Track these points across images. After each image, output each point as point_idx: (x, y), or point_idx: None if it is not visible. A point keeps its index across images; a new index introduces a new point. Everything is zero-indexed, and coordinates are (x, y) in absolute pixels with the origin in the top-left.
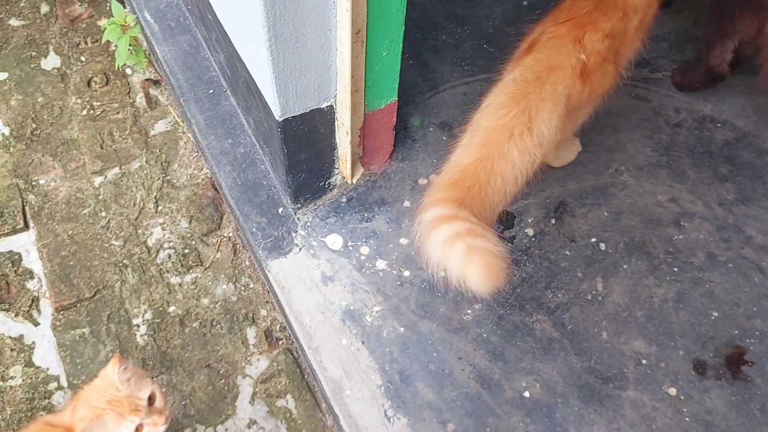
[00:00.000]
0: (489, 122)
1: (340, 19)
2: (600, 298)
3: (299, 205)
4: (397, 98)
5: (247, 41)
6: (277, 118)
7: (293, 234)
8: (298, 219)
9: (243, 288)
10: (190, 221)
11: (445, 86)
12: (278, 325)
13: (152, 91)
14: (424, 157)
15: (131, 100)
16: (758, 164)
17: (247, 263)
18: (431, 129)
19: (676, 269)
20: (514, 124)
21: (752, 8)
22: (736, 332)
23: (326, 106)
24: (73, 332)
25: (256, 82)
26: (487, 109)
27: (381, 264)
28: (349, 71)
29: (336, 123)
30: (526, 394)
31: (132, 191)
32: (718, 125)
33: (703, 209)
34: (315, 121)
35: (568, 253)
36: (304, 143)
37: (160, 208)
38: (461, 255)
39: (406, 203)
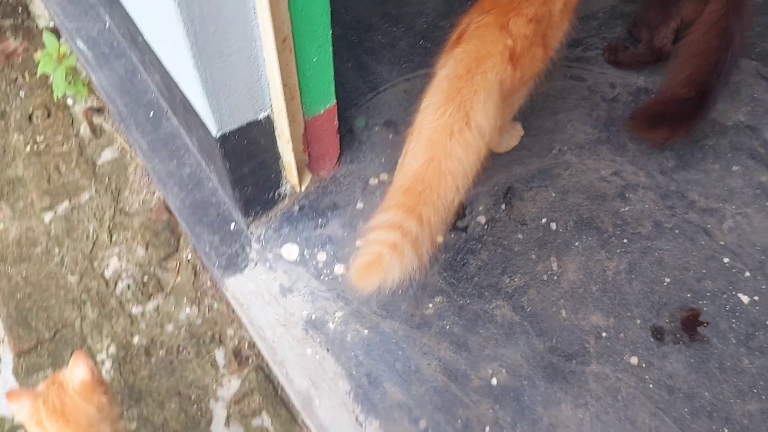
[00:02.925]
0: (429, 124)
1: (263, 29)
2: (555, 277)
3: (251, 219)
4: (335, 102)
5: (175, 60)
6: (214, 134)
7: (247, 249)
8: (251, 233)
9: (207, 309)
10: (147, 247)
11: (386, 86)
12: (246, 343)
13: (96, 120)
14: (372, 157)
15: (75, 131)
16: (694, 129)
17: (209, 284)
18: (376, 129)
19: (625, 241)
20: (452, 122)
21: None
22: (688, 295)
23: (263, 117)
24: (36, 376)
25: (190, 101)
26: (426, 110)
27: (339, 269)
28: (279, 80)
29: (276, 133)
30: (493, 381)
31: (84, 224)
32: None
33: (646, 179)
34: (254, 133)
35: (520, 236)
36: (246, 156)
37: (114, 237)
38: (367, 255)
39: (359, 205)
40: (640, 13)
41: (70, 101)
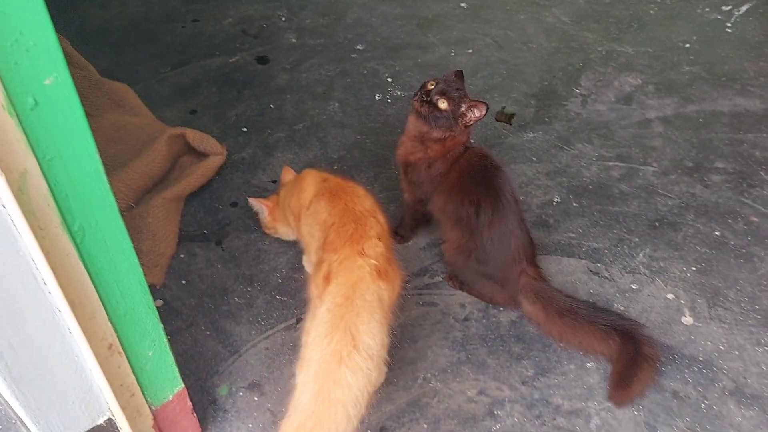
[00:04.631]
0: (317, 354)
1: (81, 345)
2: None
3: None
4: (183, 385)
5: None
6: None
7: None
8: None
9: None
10: None
11: (246, 346)
12: None
13: None
14: (239, 425)
15: None
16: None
17: None
18: (241, 394)
19: None
20: (340, 348)
21: (505, 280)
22: None
23: (104, 421)
24: None
25: (21, 418)
26: (312, 342)
27: None
28: (111, 384)
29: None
30: None
31: None
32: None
33: (510, 392)
34: None
35: None
36: None
37: None
38: None
39: None
40: (474, 286)
41: None
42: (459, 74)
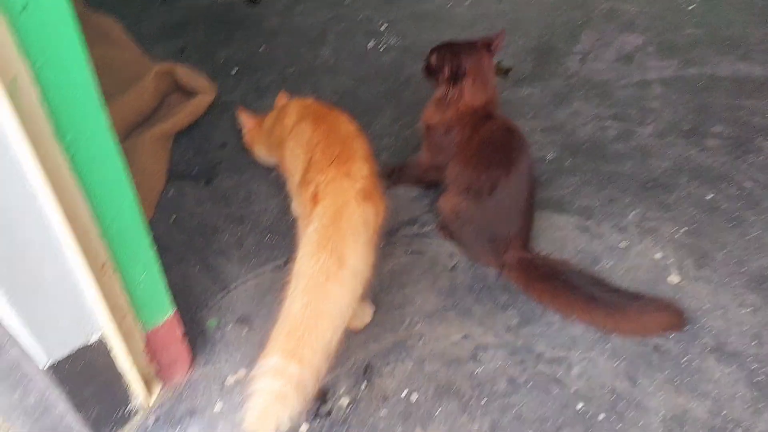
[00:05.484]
0: (306, 271)
1: (74, 261)
2: None
3: None
4: (175, 310)
5: None
6: (42, 367)
7: None
8: None
9: None
10: None
11: (236, 283)
12: None
13: None
14: (227, 357)
15: None
16: None
17: None
18: (229, 327)
19: (483, 401)
20: (327, 266)
21: (492, 250)
22: None
23: (95, 340)
24: None
25: (12, 334)
26: (301, 260)
27: None
28: (104, 303)
29: (113, 353)
30: None
31: None
32: None
33: (494, 339)
34: (87, 356)
35: (384, 412)
36: (84, 381)
37: None
38: (258, 405)
39: (218, 406)
40: (461, 240)
41: None
42: (488, 42)
